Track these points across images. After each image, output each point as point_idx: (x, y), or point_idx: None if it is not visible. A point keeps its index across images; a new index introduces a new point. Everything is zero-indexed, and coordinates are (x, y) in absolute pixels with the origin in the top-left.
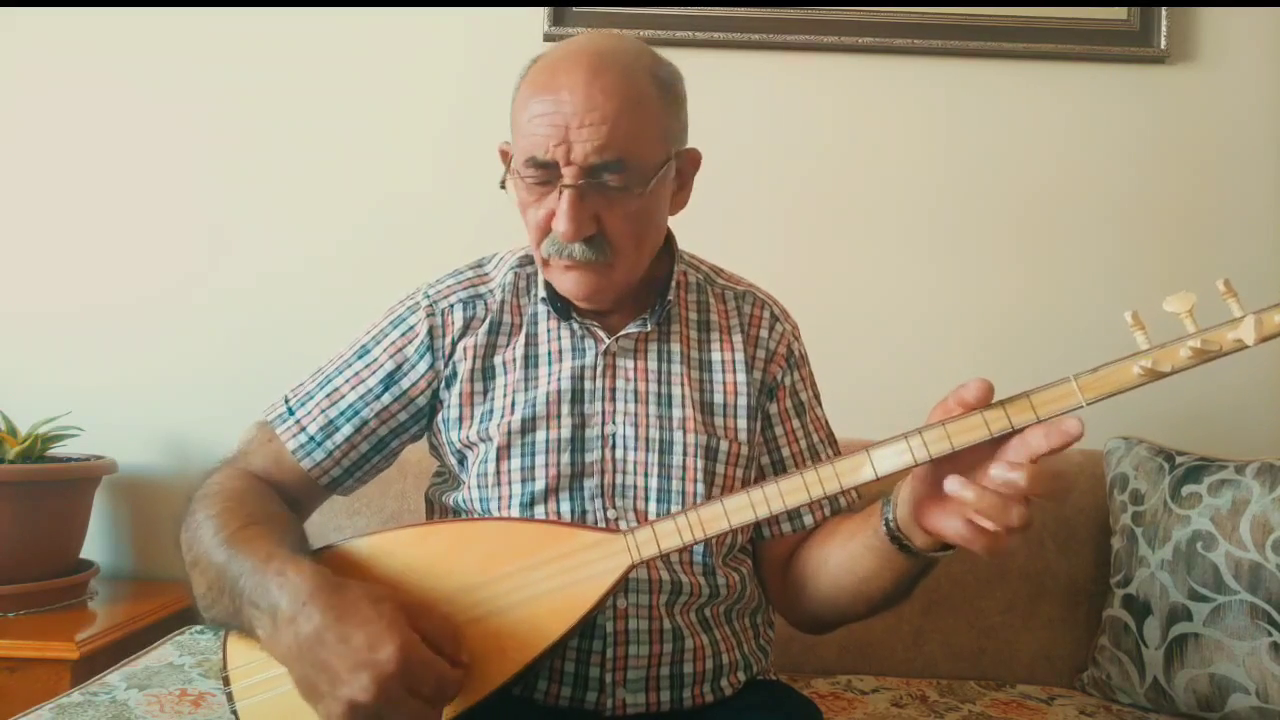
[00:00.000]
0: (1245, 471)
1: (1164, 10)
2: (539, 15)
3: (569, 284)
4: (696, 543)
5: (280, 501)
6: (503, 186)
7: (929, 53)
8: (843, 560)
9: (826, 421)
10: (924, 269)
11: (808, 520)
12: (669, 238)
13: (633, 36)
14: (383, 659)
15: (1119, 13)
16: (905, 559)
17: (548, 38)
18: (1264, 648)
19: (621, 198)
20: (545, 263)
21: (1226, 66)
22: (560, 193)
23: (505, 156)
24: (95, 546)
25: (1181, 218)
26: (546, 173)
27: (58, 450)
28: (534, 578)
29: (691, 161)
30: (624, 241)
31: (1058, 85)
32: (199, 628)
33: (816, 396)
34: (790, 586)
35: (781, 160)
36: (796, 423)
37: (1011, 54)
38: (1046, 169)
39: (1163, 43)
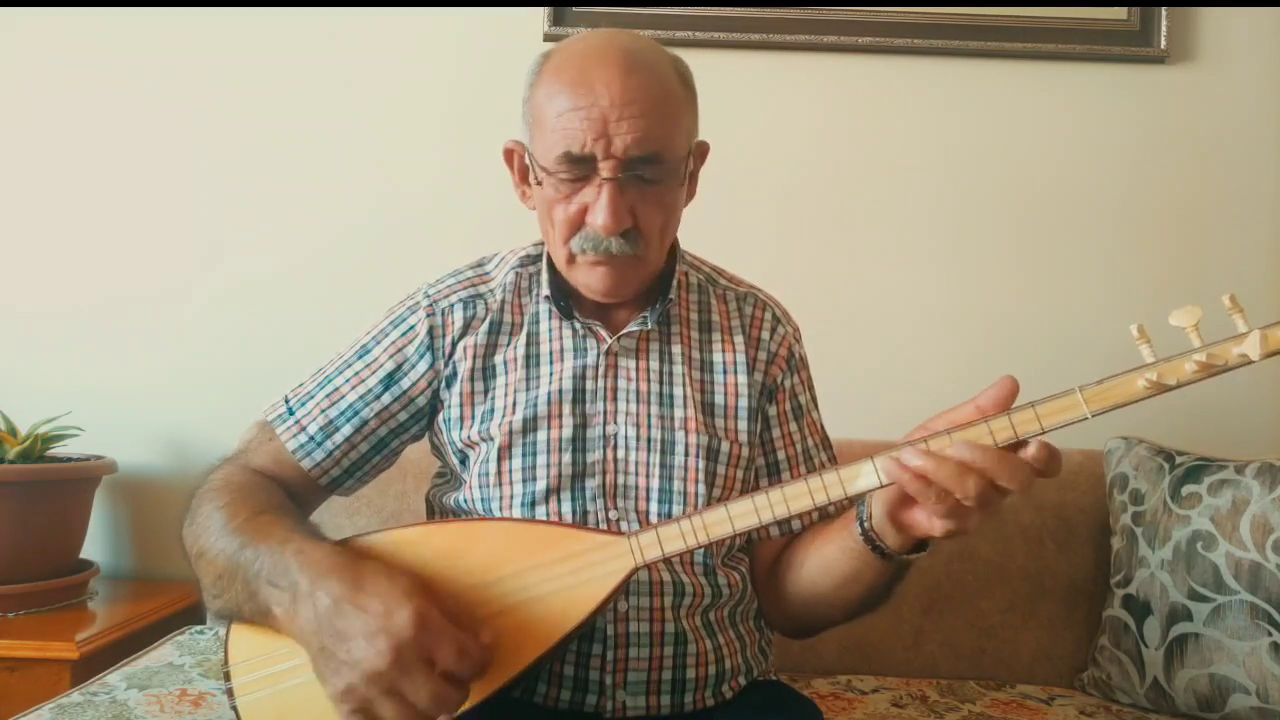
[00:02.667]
0: (1245, 471)
1: (1164, 10)
2: (539, 15)
3: (595, 279)
4: (700, 547)
5: (285, 495)
6: (525, 194)
7: (929, 53)
8: (819, 564)
9: (822, 425)
10: (923, 268)
11: (795, 523)
12: None
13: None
14: (398, 624)
15: (1119, 13)
16: (879, 561)
17: (547, 38)
18: (1264, 648)
19: (655, 191)
20: (570, 260)
21: (1226, 66)
22: (600, 187)
23: (512, 156)
24: (95, 546)
25: (1181, 217)
26: (582, 167)
27: (58, 450)
28: (536, 579)
29: (701, 154)
30: (654, 234)
31: (1058, 85)
32: (199, 628)
33: (814, 400)
34: (774, 590)
35: (781, 160)
36: (794, 426)
37: (1011, 54)
38: (1046, 169)
39: (1163, 43)
